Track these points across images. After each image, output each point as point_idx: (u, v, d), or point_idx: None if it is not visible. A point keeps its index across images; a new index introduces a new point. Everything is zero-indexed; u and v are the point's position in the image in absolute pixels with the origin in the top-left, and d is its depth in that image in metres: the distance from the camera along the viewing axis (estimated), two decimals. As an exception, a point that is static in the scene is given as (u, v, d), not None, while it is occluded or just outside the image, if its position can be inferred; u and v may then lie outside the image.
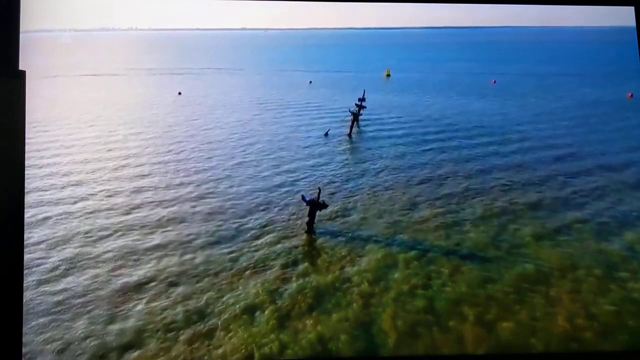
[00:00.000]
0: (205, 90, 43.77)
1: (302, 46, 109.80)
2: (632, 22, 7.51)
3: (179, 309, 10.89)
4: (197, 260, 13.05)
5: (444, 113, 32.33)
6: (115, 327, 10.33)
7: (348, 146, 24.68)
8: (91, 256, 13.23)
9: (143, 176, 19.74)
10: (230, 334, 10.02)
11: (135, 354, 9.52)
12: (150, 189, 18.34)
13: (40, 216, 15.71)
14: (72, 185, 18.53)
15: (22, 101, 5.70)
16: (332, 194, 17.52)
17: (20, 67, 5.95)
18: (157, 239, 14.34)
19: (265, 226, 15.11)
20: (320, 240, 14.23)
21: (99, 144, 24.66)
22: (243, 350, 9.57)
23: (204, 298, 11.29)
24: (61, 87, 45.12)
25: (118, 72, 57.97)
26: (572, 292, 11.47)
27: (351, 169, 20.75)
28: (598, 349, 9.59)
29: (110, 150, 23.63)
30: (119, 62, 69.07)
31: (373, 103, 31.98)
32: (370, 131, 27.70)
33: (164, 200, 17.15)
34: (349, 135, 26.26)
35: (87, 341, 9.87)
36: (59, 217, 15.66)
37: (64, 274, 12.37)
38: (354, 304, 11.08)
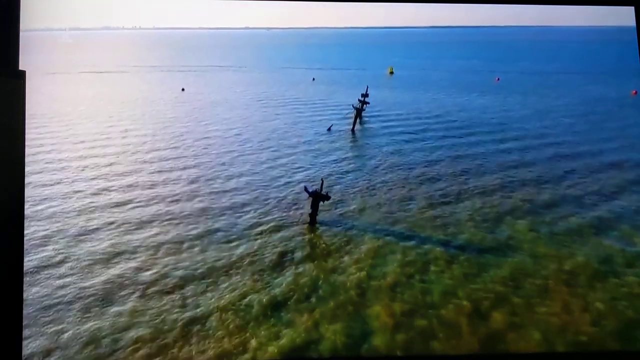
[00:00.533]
0: (208, 87, 43.91)
1: (305, 45, 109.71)
2: (632, 22, 7.51)
3: (178, 296, 11.05)
4: (197, 249, 13.22)
5: (447, 110, 32.36)
6: (113, 311, 10.52)
7: (350, 140, 24.79)
8: (91, 247, 13.39)
9: (142, 170, 19.91)
10: (228, 321, 10.17)
11: (134, 338, 9.68)
12: (150, 181, 18.50)
13: (39, 207, 15.88)
14: (71, 179, 18.70)
15: (22, 101, 5.69)
16: (332, 185, 17.64)
17: (21, 66, 5.90)
18: (156, 228, 14.49)
19: (265, 216, 15.26)
20: (320, 231, 14.37)
21: (98, 139, 24.86)
22: (242, 337, 9.72)
23: (203, 286, 11.45)
24: (65, 84, 45.35)
25: (122, 69, 58.18)
26: (569, 284, 11.54)
27: (352, 162, 20.88)
28: (594, 339, 9.65)
29: (110, 145, 23.83)
30: (124, 59, 69.34)
31: (376, 99, 32.01)
32: (373, 127, 27.78)
33: (163, 192, 17.31)
34: (352, 130, 26.42)
35: (87, 326, 10.05)
36: (57, 209, 15.81)
37: (61, 264, 12.52)
38: (352, 292, 11.21)
